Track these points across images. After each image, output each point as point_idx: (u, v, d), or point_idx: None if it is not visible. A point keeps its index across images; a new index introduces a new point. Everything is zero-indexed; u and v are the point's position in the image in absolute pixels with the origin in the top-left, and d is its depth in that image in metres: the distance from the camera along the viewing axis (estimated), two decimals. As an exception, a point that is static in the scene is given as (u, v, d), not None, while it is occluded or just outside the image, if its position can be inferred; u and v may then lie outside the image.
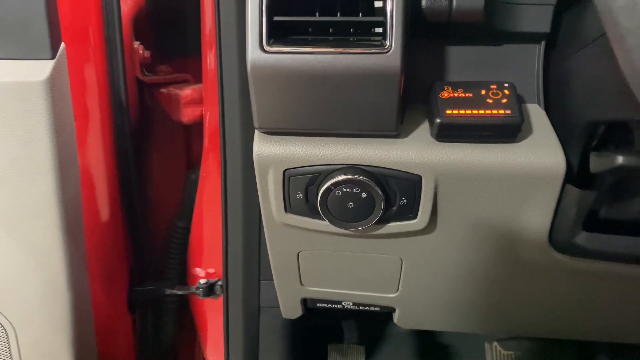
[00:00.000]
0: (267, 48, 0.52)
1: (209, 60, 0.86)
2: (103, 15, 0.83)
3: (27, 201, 0.75)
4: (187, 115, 0.96)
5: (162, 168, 1.05)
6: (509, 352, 1.05)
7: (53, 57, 0.78)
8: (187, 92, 0.95)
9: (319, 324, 1.03)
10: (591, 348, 1.06)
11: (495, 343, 1.06)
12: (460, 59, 0.60)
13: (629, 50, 0.32)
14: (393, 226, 0.61)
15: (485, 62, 0.59)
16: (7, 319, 0.80)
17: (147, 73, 0.96)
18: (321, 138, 0.57)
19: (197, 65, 0.90)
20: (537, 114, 0.58)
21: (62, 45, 0.80)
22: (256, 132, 0.58)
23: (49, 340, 0.82)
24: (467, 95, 0.55)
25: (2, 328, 0.81)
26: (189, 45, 0.98)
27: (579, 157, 0.57)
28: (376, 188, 0.56)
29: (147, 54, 0.93)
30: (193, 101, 0.95)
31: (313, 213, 0.60)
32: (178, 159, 1.06)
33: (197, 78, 0.95)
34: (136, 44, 0.92)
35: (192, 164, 1.07)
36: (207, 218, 0.98)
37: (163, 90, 0.97)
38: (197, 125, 0.97)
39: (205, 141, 0.94)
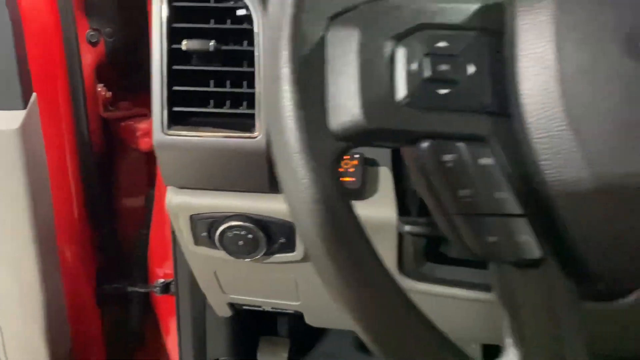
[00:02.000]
0: (167, 132, 0.68)
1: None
2: (67, 67, 1.00)
3: (5, 225, 0.93)
4: (144, 144, 1.11)
5: (128, 187, 1.22)
6: None
7: (24, 107, 0.92)
8: (143, 125, 1.11)
9: (255, 318, 1.20)
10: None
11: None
12: None
13: None
14: (277, 257, 0.78)
15: None
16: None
17: (110, 108, 1.12)
18: (218, 192, 0.74)
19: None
20: (385, 176, 0.75)
21: (34, 95, 0.95)
22: (169, 186, 0.76)
23: (27, 333, 1.01)
24: None
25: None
26: (146, 83, 1.13)
27: (417, 210, 0.74)
28: (259, 232, 0.74)
29: (108, 94, 1.09)
30: (149, 133, 1.11)
31: (216, 246, 0.77)
32: (140, 178, 1.23)
33: (154, 112, 1.11)
34: (99, 86, 1.08)
35: (153, 182, 1.24)
36: (161, 228, 1.16)
37: (123, 124, 1.13)
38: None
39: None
